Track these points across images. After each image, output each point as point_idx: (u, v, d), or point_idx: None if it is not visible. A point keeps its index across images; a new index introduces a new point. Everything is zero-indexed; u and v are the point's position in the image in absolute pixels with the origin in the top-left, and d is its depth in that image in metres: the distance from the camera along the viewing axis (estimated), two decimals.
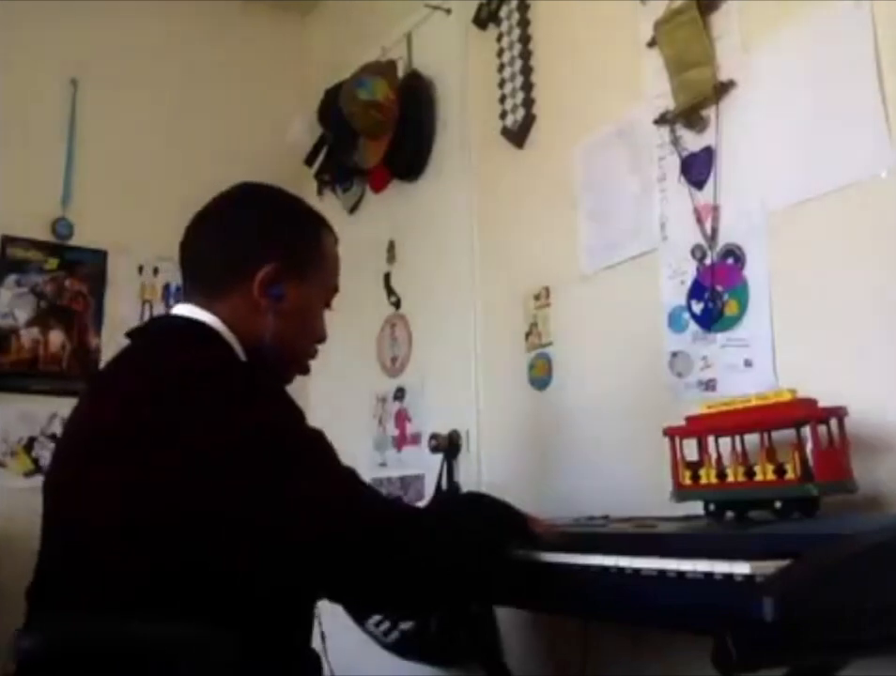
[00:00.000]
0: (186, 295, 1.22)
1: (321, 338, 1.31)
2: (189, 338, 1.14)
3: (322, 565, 1.01)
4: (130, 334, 1.19)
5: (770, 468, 1.21)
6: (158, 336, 1.18)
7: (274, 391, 1.10)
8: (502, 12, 2.23)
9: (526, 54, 2.14)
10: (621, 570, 1.01)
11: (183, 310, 1.18)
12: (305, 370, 1.30)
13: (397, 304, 2.57)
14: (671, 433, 1.36)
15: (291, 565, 1.00)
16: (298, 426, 1.06)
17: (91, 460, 1.04)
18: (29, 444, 2.53)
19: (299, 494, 0.99)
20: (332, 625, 1.27)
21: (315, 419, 1.08)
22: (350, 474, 1.07)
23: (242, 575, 0.98)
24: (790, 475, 1.18)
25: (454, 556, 1.07)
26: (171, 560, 0.97)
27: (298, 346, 1.25)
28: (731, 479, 1.26)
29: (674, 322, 1.68)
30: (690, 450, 1.34)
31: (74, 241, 2.69)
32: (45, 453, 2.51)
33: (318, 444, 1.06)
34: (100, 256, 2.73)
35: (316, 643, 1.17)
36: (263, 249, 1.19)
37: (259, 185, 1.29)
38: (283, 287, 1.19)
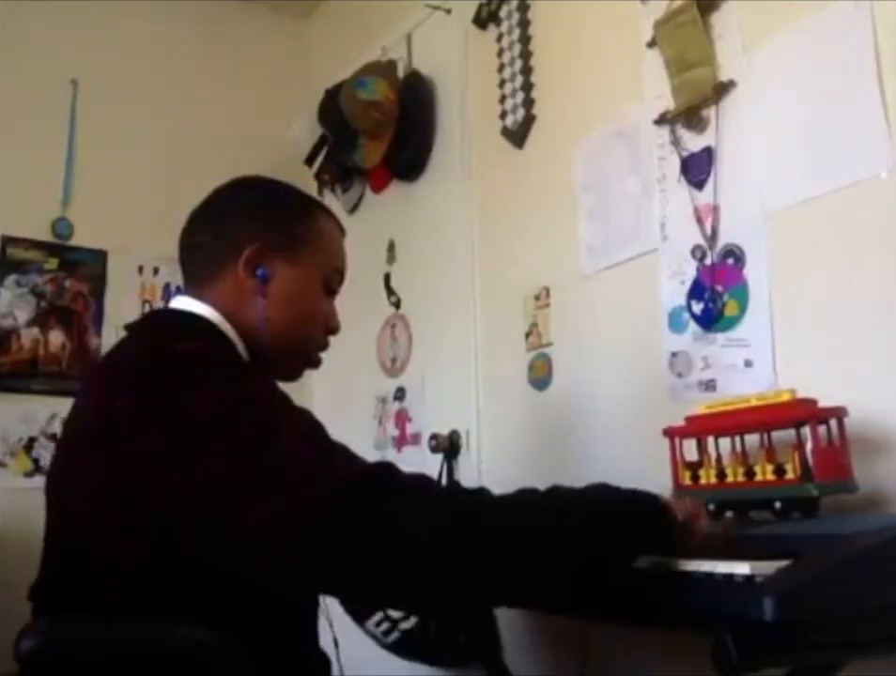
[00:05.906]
0: (184, 288, 1.21)
1: (330, 327, 1.24)
2: (178, 329, 1.13)
3: (314, 542, 0.88)
4: (127, 327, 1.19)
5: (770, 468, 1.21)
6: (149, 328, 1.18)
7: (256, 373, 1.06)
8: (502, 12, 2.22)
9: (526, 54, 2.14)
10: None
11: (178, 302, 1.18)
12: (314, 363, 1.24)
13: (397, 304, 2.57)
14: (671, 433, 1.36)
15: (277, 541, 0.90)
16: (280, 402, 1.00)
17: (77, 457, 1.04)
18: (29, 444, 2.53)
19: (287, 463, 0.91)
20: (346, 630, 1.25)
21: None
22: (344, 448, 0.98)
23: (238, 571, 0.97)
24: (790, 475, 1.19)
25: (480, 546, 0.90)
26: (166, 559, 0.96)
27: (297, 334, 1.19)
28: (731, 479, 1.26)
29: (674, 322, 1.68)
30: (690, 450, 1.34)
31: (74, 241, 2.69)
32: (45, 453, 2.50)
33: (307, 418, 1.00)
34: (100, 256, 2.72)
35: (329, 649, 1.15)
36: (248, 230, 1.17)
37: (252, 176, 1.26)
38: (270, 268, 1.16)
